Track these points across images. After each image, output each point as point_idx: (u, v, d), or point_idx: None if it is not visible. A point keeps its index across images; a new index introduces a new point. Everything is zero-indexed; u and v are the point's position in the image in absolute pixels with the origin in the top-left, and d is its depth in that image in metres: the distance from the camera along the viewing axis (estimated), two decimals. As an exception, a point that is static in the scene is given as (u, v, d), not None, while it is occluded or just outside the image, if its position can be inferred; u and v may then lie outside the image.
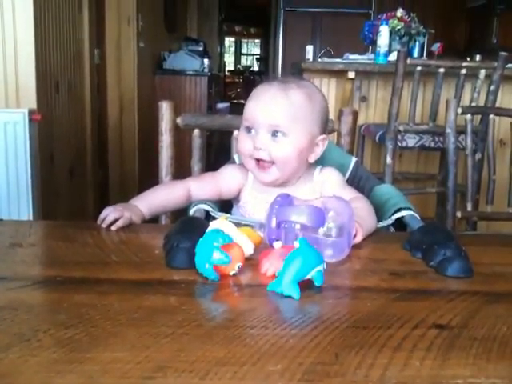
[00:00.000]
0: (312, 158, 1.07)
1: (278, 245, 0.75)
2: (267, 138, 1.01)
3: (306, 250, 0.69)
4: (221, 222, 0.77)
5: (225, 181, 1.11)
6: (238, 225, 0.79)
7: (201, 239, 0.72)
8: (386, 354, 0.53)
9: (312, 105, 1.03)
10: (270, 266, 0.72)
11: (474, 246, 0.87)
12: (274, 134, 1.01)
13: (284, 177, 1.05)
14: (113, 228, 0.91)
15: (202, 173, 1.35)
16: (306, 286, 0.67)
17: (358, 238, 0.86)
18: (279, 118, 1.00)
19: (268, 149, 1.01)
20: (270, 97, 1.02)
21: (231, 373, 0.49)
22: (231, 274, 0.72)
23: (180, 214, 1.06)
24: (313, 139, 1.04)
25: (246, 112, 1.04)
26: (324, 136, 1.07)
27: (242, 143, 1.05)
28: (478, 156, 2.37)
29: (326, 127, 1.09)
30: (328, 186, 1.08)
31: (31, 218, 1.99)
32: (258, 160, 1.03)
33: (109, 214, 0.93)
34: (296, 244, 0.70)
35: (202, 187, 1.09)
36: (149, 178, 3.46)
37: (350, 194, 1.04)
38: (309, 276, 0.68)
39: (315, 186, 1.08)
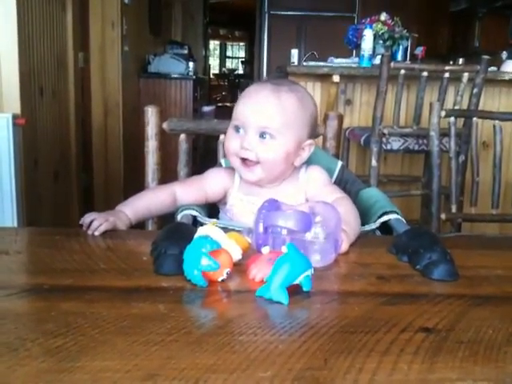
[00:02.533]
0: (298, 162, 1.07)
1: (265, 250, 0.75)
2: (255, 139, 1.02)
3: (294, 256, 0.69)
4: (208, 228, 0.77)
5: (210, 184, 1.11)
6: (225, 230, 0.79)
7: (189, 245, 0.72)
8: (374, 359, 0.53)
9: (303, 110, 1.04)
10: (258, 271, 0.73)
11: (458, 249, 0.88)
12: (262, 135, 1.01)
13: (268, 178, 1.06)
14: (96, 233, 0.91)
15: (188, 177, 1.35)
16: (294, 291, 0.68)
17: (344, 247, 0.86)
18: (269, 121, 1.01)
19: (255, 150, 1.02)
20: (262, 98, 1.02)
21: (221, 380, 0.49)
22: (219, 280, 0.72)
23: (167, 220, 1.06)
24: (300, 143, 1.05)
25: (236, 111, 1.05)
26: (311, 141, 1.08)
27: (230, 141, 1.05)
28: (461, 158, 2.40)
29: (313, 132, 1.09)
30: (313, 185, 1.09)
31: (15, 224, 1.97)
32: (243, 159, 1.04)
33: (92, 219, 0.93)
34: (284, 249, 0.70)
35: (187, 191, 1.10)
36: (134, 182, 3.44)
37: (334, 193, 1.06)
38: (297, 281, 0.68)
39: (301, 185, 1.09)
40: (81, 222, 0.93)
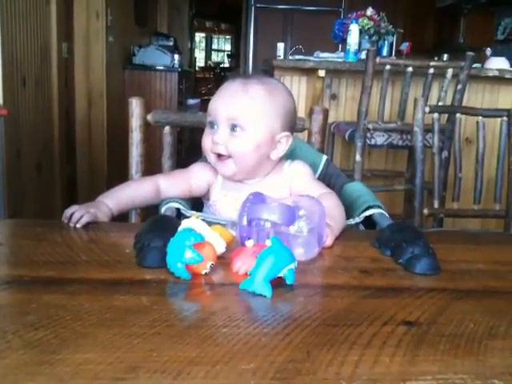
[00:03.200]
0: (274, 155, 1.07)
1: (249, 243, 0.75)
2: (226, 132, 1.02)
3: (277, 249, 0.69)
4: (192, 221, 0.77)
5: (195, 178, 1.11)
6: (209, 223, 0.79)
7: (172, 238, 0.72)
8: (356, 351, 0.54)
9: (272, 100, 1.04)
10: (242, 264, 0.73)
11: (441, 243, 0.89)
12: (233, 128, 1.02)
13: (243, 171, 1.06)
14: (78, 225, 0.90)
15: (172, 170, 1.34)
16: (277, 284, 0.68)
17: (329, 242, 0.86)
18: (237, 112, 1.01)
19: (225, 143, 1.02)
20: (231, 92, 1.04)
21: (204, 372, 0.49)
22: (203, 273, 0.71)
23: (151, 213, 1.06)
24: (273, 135, 1.04)
25: (209, 108, 1.06)
26: (287, 133, 1.07)
27: (204, 139, 1.07)
28: (444, 154, 2.42)
29: (290, 125, 1.08)
30: (297, 180, 1.09)
31: (-3, 215, 1.95)
32: (218, 154, 1.04)
33: (73, 211, 0.92)
34: (268, 242, 0.70)
35: (171, 183, 1.09)
36: (118, 174, 3.42)
37: (318, 188, 1.06)
38: (280, 274, 0.68)
39: (284, 180, 1.09)
40: (63, 218, 0.92)
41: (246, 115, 1.01)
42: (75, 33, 3.45)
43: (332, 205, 0.98)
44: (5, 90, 2.06)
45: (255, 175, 1.08)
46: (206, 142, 1.06)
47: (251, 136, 1.02)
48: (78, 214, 0.91)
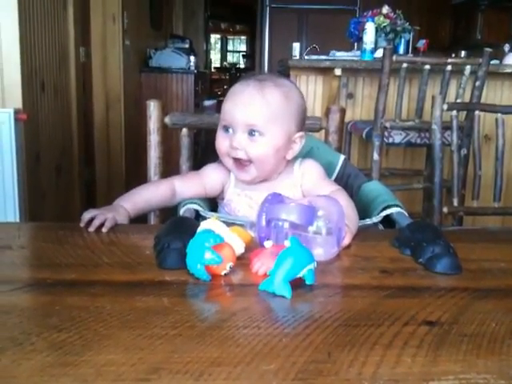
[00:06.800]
0: (290, 155, 1.07)
1: (268, 244, 0.76)
2: (244, 137, 1.02)
3: (296, 249, 0.69)
4: (211, 222, 0.78)
5: (209, 179, 1.12)
6: (228, 224, 0.79)
7: (192, 240, 0.72)
8: (377, 352, 0.54)
9: (289, 103, 1.04)
10: (261, 265, 0.73)
11: (461, 242, 0.88)
12: (251, 133, 1.02)
13: (263, 175, 1.06)
14: (103, 230, 0.90)
15: (186, 172, 1.35)
16: (297, 284, 0.68)
17: (347, 241, 0.86)
18: (256, 118, 1.01)
19: (245, 148, 1.02)
20: (247, 96, 1.02)
21: (225, 373, 0.49)
22: (223, 273, 0.72)
23: (170, 214, 1.07)
24: (290, 137, 1.05)
25: (224, 112, 1.05)
26: (301, 133, 1.07)
27: (220, 142, 1.06)
28: (463, 152, 2.40)
29: (303, 124, 1.09)
30: (308, 179, 1.09)
31: (18, 219, 1.97)
32: (235, 159, 1.04)
33: (91, 216, 0.93)
34: (287, 243, 0.70)
35: (186, 185, 1.10)
36: (136, 176, 3.45)
37: (329, 186, 1.06)
38: (300, 275, 0.68)
39: (296, 179, 1.09)
40: (82, 224, 0.92)
41: (265, 121, 1.01)
42: (92, 37, 3.48)
43: (345, 204, 0.97)
44: (24, 95, 2.09)
45: (271, 175, 1.08)
46: (222, 145, 1.05)
47: (270, 140, 1.02)
48: (98, 222, 0.91)
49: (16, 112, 1.98)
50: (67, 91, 2.73)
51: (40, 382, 0.47)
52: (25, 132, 2.08)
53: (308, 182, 1.08)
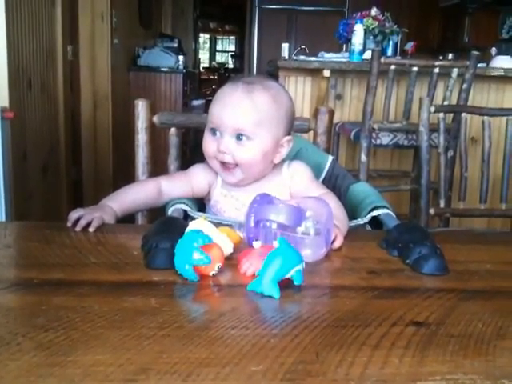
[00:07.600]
0: (277, 159, 1.07)
1: (257, 244, 0.76)
2: (232, 141, 1.01)
3: (285, 250, 0.69)
4: (200, 222, 0.77)
5: (195, 179, 1.11)
6: (217, 225, 0.79)
7: (180, 240, 0.72)
8: (365, 352, 0.54)
9: (277, 107, 1.03)
10: (249, 265, 0.73)
11: (448, 243, 0.89)
12: (239, 137, 1.01)
13: (249, 178, 1.06)
14: (90, 229, 0.90)
15: (173, 172, 1.34)
16: (285, 285, 0.68)
17: (338, 244, 0.86)
18: (244, 123, 1.00)
19: (232, 153, 1.02)
20: (236, 100, 1.01)
21: (213, 374, 0.49)
22: (211, 274, 0.72)
23: (158, 214, 1.06)
24: (278, 141, 1.05)
25: (211, 114, 1.04)
26: (289, 137, 1.07)
27: (207, 145, 1.05)
28: (450, 153, 2.42)
29: (291, 127, 1.09)
30: (296, 181, 1.09)
31: (3, 218, 1.95)
32: (222, 162, 1.04)
33: (78, 216, 0.92)
34: (275, 243, 0.71)
35: (173, 184, 1.10)
36: (124, 176, 3.43)
37: (318, 188, 1.06)
38: (288, 275, 0.68)
39: (284, 181, 1.09)
40: (69, 224, 0.92)
41: (253, 125, 1.00)
42: (80, 35, 3.46)
43: (335, 206, 0.98)
44: (11, 93, 2.07)
45: (258, 178, 1.08)
46: (210, 148, 1.04)
47: (258, 145, 1.02)
48: (84, 222, 0.91)
49: (3, 110, 1.96)
50: (54, 90, 2.71)
51: (27, 383, 0.47)
52: (11, 130, 2.06)
53: (297, 184, 1.08)
